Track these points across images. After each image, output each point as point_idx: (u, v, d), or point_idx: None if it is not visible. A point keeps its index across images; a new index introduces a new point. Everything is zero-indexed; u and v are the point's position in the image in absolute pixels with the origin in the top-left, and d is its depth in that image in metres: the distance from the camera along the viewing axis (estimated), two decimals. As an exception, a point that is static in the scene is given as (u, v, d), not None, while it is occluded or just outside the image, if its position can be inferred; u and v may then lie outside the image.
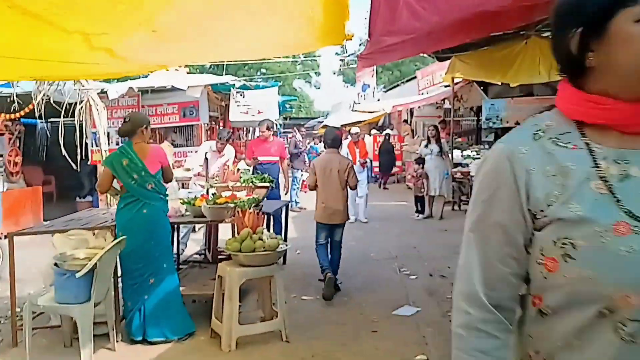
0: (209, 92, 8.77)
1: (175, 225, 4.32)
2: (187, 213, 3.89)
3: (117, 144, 8.37)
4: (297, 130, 9.88)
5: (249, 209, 3.56)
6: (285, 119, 33.05)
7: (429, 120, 15.94)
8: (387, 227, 7.90)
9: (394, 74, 29.18)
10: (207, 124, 8.80)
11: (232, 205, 3.72)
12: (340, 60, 31.26)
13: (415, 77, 17.92)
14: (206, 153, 5.79)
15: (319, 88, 36.46)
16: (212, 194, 4.15)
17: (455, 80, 11.69)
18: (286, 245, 3.54)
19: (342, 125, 20.82)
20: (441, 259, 5.58)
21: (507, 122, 11.32)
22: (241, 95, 8.59)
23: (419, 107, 15.17)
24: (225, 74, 11.48)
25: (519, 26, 5.90)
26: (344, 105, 24.56)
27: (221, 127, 11.27)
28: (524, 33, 7.22)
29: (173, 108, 8.43)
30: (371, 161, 15.94)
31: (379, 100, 18.34)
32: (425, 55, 8.28)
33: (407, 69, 27.73)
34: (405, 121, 19.11)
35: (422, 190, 8.42)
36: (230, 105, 8.65)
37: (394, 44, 4.35)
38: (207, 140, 7.83)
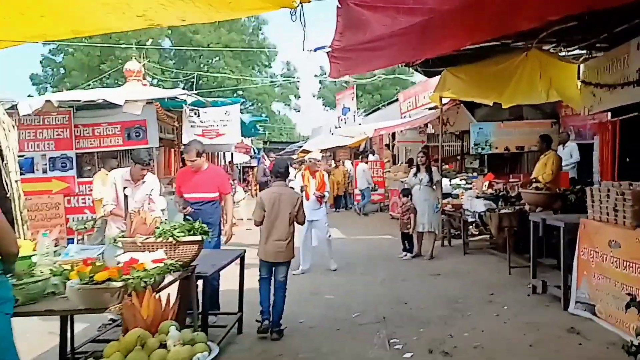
0: (159, 110, 7.51)
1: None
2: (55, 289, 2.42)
3: (44, 171, 7.00)
4: (266, 156, 8.56)
5: (149, 288, 2.22)
6: (265, 142, 32.06)
7: (411, 145, 14.98)
8: (370, 270, 6.63)
9: (374, 97, 28.47)
10: (157, 149, 7.49)
11: (117, 284, 2.18)
12: (320, 82, 30.56)
13: (396, 100, 17.09)
14: (115, 184, 4.37)
15: (298, 111, 35.52)
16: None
17: (443, 101, 10.81)
18: (208, 355, 2.03)
19: (320, 151, 19.94)
20: (440, 323, 4.34)
21: (497, 148, 10.35)
22: (195, 113, 7.34)
23: (401, 131, 14.15)
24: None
25: (524, 32, 4.86)
26: (325, 129, 23.54)
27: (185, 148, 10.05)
28: (524, 44, 6.28)
29: (115, 129, 7.12)
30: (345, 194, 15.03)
31: (360, 124, 17.30)
32: (411, 69, 7.18)
33: (387, 93, 27.06)
34: (387, 146, 18.16)
35: (409, 226, 7.22)
36: (183, 125, 7.39)
37: (376, 40, 3.22)
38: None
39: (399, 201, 12.22)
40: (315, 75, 32.14)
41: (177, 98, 7.35)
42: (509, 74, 6.61)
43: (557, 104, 9.46)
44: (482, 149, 10.16)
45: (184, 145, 4.57)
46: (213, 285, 4.47)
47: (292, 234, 4.23)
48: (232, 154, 18.43)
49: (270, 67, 32.33)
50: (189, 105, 7.36)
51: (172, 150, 8.95)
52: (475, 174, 11.05)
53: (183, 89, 27.52)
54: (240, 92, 30.32)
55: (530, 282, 5.13)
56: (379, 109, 18.69)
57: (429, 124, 14.33)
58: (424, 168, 7.36)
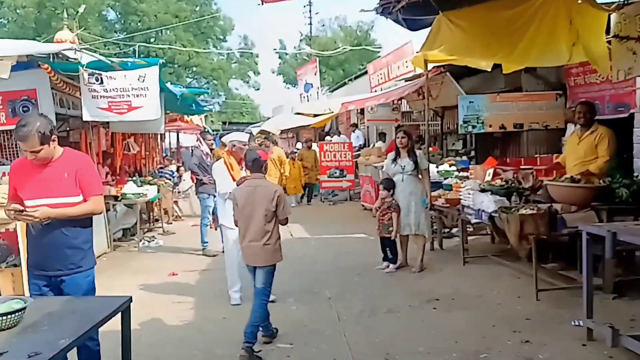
0: (52, 76, 5.35)
1: None
2: None
3: None
4: (202, 140, 6.52)
5: None
6: (224, 123, 29.59)
7: (384, 124, 13.28)
8: (342, 294, 4.87)
9: (337, 73, 26.50)
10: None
11: None
12: (280, 57, 28.27)
13: (365, 73, 15.28)
14: None
15: (258, 89, 33.01)
16: None
17: (419, 71, 9.06)
18: None
19: (281, 131, 17.89)
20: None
21: (490, 126, 8.69)
22: (97, 79, 5.24)
23: (371, 108, 12.36)
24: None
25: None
26: (286, 109, 21.46)
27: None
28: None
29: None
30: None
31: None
32: (390, 18, 5.27)
33: (352, 68, 25.19)
34: (355, 125, 16.41)
35: (391, 229, 5.49)
36: (82, 96, 5.29)
37: None
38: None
39: (371, 190, 10.65)
40: (275, 50, 29.79)
41: (70, 58, 5.18)
42: (524, 23, 4.86)
43: (562, 71, 7.85)
44: (473, 127, 8.44)
45: (19, 127, 2.55)
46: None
47: (272, 234, 3.67)
48: (177, 135, 16.23)
49: (226, 41, 29.75)
50: (86, 67, 5.22)
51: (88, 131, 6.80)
52: (464, 157, 9.46)
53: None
54: (194, 69, 27.67)
55: (579, 321, 3.49)
56: (345, 84, 16.83)
57: (402, 100, 12.64)
58: (405, 152, 5.58)
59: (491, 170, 6.26)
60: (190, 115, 10.54)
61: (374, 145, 11.43)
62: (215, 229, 6.63)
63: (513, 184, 5.57)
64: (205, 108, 10.17)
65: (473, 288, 4.85)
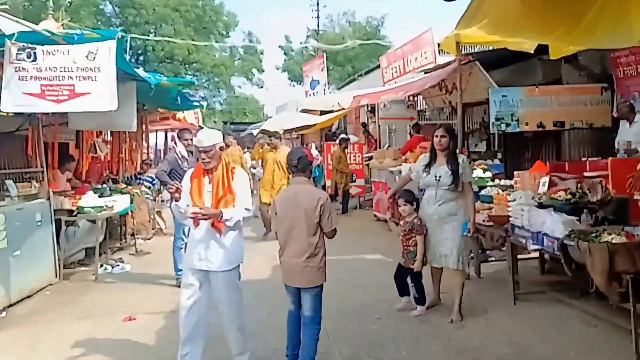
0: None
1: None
2: None
3: None
4: (177, 140, 5.13)
5: None
6: (226, 123, 28.25)
7: (398, 123, 11.88)
8: (360, 356, 3.48)
9: (345, 70, 25.04)
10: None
11: None
12: (285, 53, 26.89)
13: (377, 67, 13.88)
14: None
15: (262, 87, 31.55)
16: None
17: (440, 61, 7.69)
18: None
19: (284, 131, 16.48)
20: None
21: (527, 124, 7.30)
22: (28, 55, 3.89)
23: (384, 105, 10.98)
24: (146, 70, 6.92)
25: None
26: (290, 106, 20.08)
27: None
28: None
29: None
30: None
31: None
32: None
33: (362, 65, 23.75)
34: (364, 125, 15.03)
35: (412, 257, 4.10)
36: (4, 76, 3.94)
37: None
38: None
39: (384, 199, 9.21)
40: (280, 47, 28.38)
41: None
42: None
43: (608, 60, 6.50)
44: (507, 125, 7.07)
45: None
46: None
47: (317, 249, 3.12)
48: (165, 135, 14.80)
49: (229, 36, 28.40)
50: (15, 40, 3.87)
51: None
52: (496, 161, 8.04)
53: (129, 59, 23.37)
54: (194, 65, 26.38)
55: None
56: (354, 79, 15.40)
57: (418, 96, 11.25)
58: (443, 157, 4.10)
59: (546, 179, 4.84)
60: (177, 112, 9.22)
61: (388, 146, 10.01)
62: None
63: (581, 197, 4.16)
64: (195, 103, 8.81)
65: (539, 344, 3.48)
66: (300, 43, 27.12)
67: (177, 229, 5.15)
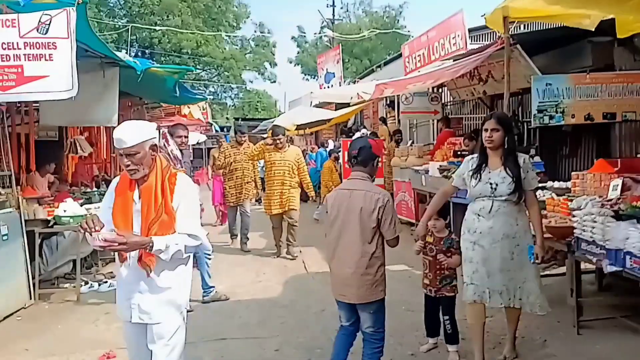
0: None
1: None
2: None
3: None
4: (168, 138, 4.31)
5: None
6: (237, 119, 27.39)
7: (421, 117, 10.92)
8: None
9: (362, 63, 24.03)
10: None
11: None
12: (298, 45, 25.95)
13: (398, 57, 12.93)
14: None
15: (274, 81, 30.63)
16: None
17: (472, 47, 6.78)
18: None
19: (297, 126, 15.64)
20: None
21: (573, 117, 6.32)
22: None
23: (405, 97, 10.05)
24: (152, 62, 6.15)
25: None
26: (304, 101, 19.24)
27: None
28: None
29: None
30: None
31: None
32: None
33: (378, 58, 22.71)
34: (382, 120, 14.10)
35: (445, 280, 3.22)
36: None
37: None
38: None
39: (409, 201, 8.22)
40: (293, 38, 27.45)
41: None
42: None
43: None
44: (550, 117, 6.07)
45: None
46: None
47: (373, 260, 2.62)
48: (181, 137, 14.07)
49: (239, 28, 27.55)
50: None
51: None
52: (537, 158, 7.06)
53: (135, 54, 22.69)
54: (204, 58, 25.62)
55: None
56: (372, 71, 14.46)
57: (442, 89, 10.29)
58: (497, 158, 3.05)
59: (618, 182, 3.91)
60: (183, 106, 8.45)
61: (412, 142, 9.09)
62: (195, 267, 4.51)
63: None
64: (197, 96, 8.01)
65: None
66: (315, 34, 26.18)
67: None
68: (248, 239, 6.80)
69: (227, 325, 3.93)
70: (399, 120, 13.20)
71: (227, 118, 28.07)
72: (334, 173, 9.40)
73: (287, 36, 48.25)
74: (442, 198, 3.27)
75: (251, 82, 30.58)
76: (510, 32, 6.01)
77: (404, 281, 4.87)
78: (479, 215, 3.04)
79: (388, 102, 13.99)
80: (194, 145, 16.94)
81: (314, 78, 27.80)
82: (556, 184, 4.85)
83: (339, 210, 2.70)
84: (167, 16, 23.18)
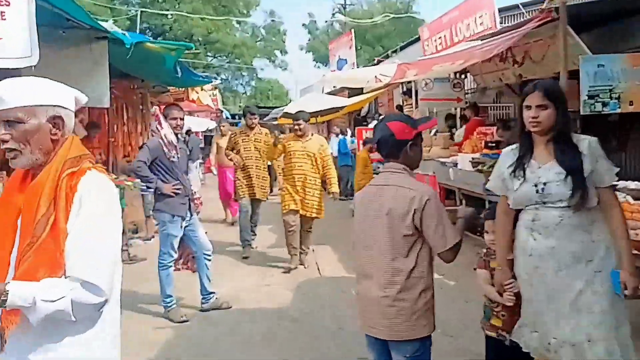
0: None
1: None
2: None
3: None
4: (161, 119, 3.69)
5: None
6: (247, 107, 26.48)
7: (443, 104, 10.19)
8: None
9: (375, 50, 23.19)
10: None
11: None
12: (309, 32, 25.15)
13: (416, 41, 12.18)
14: None
15: (285, 69, 29.90)
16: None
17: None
18: None
19: (311, 114, 14.96)
20: None
21: (631, 104, 5.50)
22: None
23: (425, 84, 9.34)
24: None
25: None
26: (316, 87, 18.54)
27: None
28: None
29: None
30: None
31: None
32: None
33: (391, 44, 21.88)
34: (399, 108, 13.40)
35: (517, 318, 2.39)
36: None
37: None
38: None
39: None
40: (304, 25, 26.66)
41: None
42: None
43: None
44: (604, 105, 5.32)
45: None
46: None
47: (412, 279, 1.92)
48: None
49: (250, 15, 26.82)
50: None
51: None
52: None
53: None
54: (215, 45, 24.98)
55: None
56: (388, 56, 13.71)
57: (466, 76, 9.57)
58: (543, 145, 2.12)
59: None
60: (190, 90, 7.86)
61: (436, 132, 8.40)
62: (193, 272, 3.95)
63: None
64: (202, 79, 7.38)
65: None
66: (326, 22, 25.35)
67: (163, 243, 3.77)
68: (255, 234, 6.01)
69: (227, 342, 3.35)
70: (416, 109, 12.52)
71: (239, 106, 27.47)
72: (369, 166, 8.58)
73: (298, 23, 47.25)
74: (508, 220, 2.26)
75: (262, 69, 29.90)
76: (550, 5, 5.31)
77: (437, 293, 4.23)
78: (532, 230, 2.11)
79: (405, 89, 13.29)
80: (204, 132, 16.39)
81: (325, 65, 27.03)
82: (631, 184, 4.01)
83: (366, 213, 2.04)
84: (178, 3, 22.65)
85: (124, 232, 5.94)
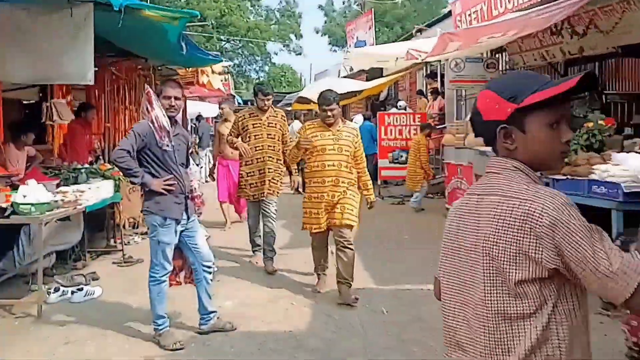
0: None
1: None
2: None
3: None
4: (153, 98, 2.96)
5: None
6: (260, 84, 25.58)
7: (474, 87, 9.26)
8: None
9: (394, 32, 22.10)
10: None
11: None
12: (325, 14, 24.11)
13: (444, 17, 11.21)
14: None
15: (299, 54, 28.82)
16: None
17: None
18: None
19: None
20: None
21: None
22: None
23: (456, 64, 8.46)
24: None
25: None
26: (332, 72, 17.67)
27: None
28: None
29: None
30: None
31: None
32: None
33: (411, 26, 20.75)
34: (421, 93, 12.52)
35: None
36: None
37: None
38: None
39: (467, 189, 6.71)
40: (320, 7, 25.58)
41: None
42: None
43: None
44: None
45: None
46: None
47: (539, 347, 1.04)
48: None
49: (263, -2, 25.89)
50: None
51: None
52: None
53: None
54: (228, 29, 24.14)
55: None
56: (412, 36, 12.73)
57: (502, 54, 8.65)
58: None
59: None
60: (188, 68, 7.12)
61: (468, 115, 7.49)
62: (192, 282, 3.26)
63: None
64: (211, 57, 6.61)
65: None
66: (344, 2, 24.30)
67: (153, 250, 3.06)
68: (274, 252, 4.61)
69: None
70: (442, 93, 11.62)
71: (233, 85, 26.64)
72: (423, 154, 7.78)
73: (313, 5, 45.99)
74: None
75: (276, 54, 28.97)
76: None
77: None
78: None
79: (429, 71, 12.37)
80: (215, 117, 15.74)
81: (341, 49, 26.02)
82: None
83: (456, 233, 1.26)
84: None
85: (119, 229, 5.38)
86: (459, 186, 6.49)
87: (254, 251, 4.81)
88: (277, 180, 4.61)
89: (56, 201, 3.89)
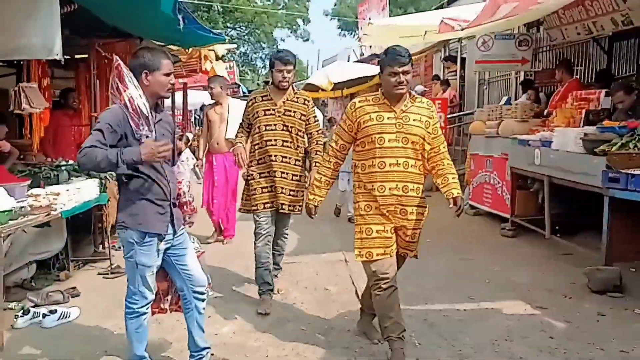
0: None
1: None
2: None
3: None
4: (125, 74, 2.25)
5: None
6: (267, 83, 25.15)
7: (503, 67, 8.37)
8: None
9: (407, 13, 21.12)
10: None
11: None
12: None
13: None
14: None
15: (306, 39, 27.76)
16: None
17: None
18: None
19: (334, 85, 13.30)
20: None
21: None
22: None
23: (483, 42, 7.64)
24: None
25: None
26: (341, 57, 16.81)
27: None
28: None
29: None
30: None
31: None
32: None
33: (427, 8, 19.77)
34: (437, 77, 11.68)
35: None
36: None
37: None
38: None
39: (500, 185, 5.24)
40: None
41: None
42: None
43: None
44: None
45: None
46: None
47: None
48: (184, 93, 11.88)
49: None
50: None
51: None
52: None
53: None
54: (234, 14, 23.34)
55: None
56: (442, 7, 11.80)
57: (538, 29, 7.79)
58: None
59: None
60: (186, 48, 6.41)
61: (508, 99, 6.70)
62: (179, 310, 2.61)
63: None
64: (212, 35, 5.84)
65: None
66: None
67: (130, 274, 2.39)
68: (280, 268, 3.87)
69: None
70: (461, 76, 10.78)
71: (257, 84, 25.82)
72: None
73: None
74: None
75: (283, 40, 28.06)
76: None
77: (533, 339, 2.75)
78: None
79: (447, 53, 11.52)
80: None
81: (351, 34, 25.10)
82: None
83: None
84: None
85: (105, 234, 4.76)
86: (487, 180, 5.74)
87: (260, 294, 3.45)
88: (297, 191, 3.40)
89: (23, 207, 3.25)
